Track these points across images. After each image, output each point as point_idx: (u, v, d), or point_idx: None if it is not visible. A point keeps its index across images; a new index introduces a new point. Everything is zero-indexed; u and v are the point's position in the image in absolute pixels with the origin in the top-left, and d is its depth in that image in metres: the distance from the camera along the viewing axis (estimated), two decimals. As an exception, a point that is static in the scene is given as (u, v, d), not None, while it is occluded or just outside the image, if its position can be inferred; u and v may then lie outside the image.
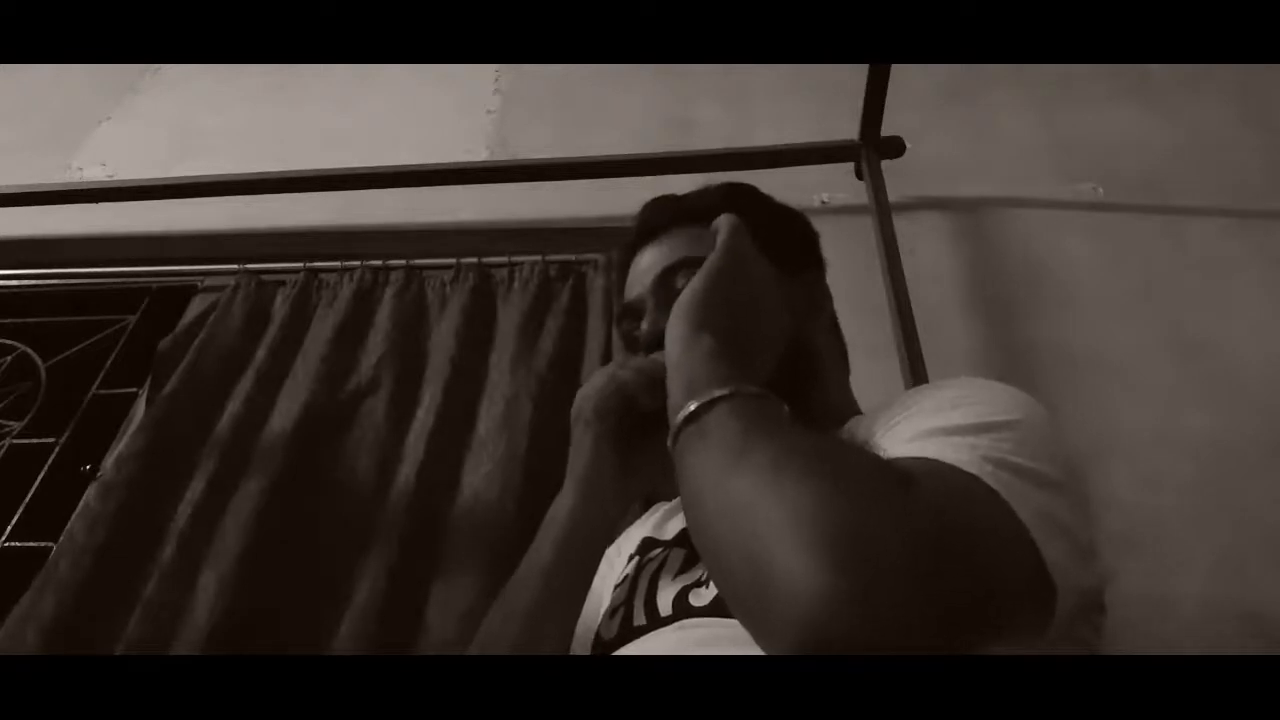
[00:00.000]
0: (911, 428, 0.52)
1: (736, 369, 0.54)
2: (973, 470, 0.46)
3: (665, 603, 0.64)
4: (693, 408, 0.50)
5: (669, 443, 0.52)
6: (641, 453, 0.69)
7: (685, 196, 0.78)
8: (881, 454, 0.50)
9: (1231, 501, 1.09)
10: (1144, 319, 1.28)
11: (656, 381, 0.61)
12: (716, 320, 0.59)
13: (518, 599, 0.65)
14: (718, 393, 0.50)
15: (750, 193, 0.79)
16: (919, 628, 0.38)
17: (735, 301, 0.61)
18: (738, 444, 0.47)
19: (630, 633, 0.64)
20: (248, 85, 1.95)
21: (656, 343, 0.68)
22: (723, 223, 0.65)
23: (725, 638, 0.55)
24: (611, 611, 0.70)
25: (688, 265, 0.69)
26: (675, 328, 0.59)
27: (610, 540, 0.72)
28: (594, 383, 0.70)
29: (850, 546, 0.38)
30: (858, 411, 0.73)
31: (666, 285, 0.71)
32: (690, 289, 0.61)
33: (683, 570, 0.67)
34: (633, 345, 0.74)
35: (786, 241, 0.74)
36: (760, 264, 0.66)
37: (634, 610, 0.66)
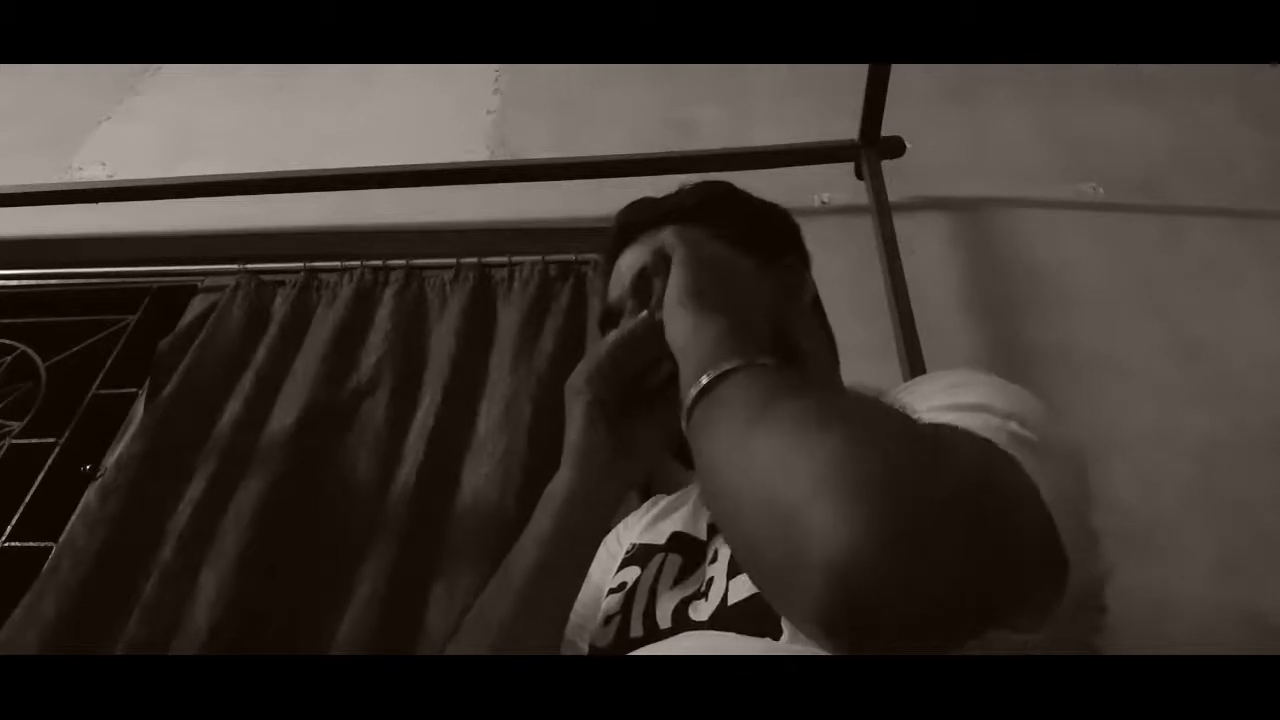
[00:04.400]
0: (920, 405, 0.51)
1: (747, 344, 0.53)
2: (989, 436, 0.45)
3: (664, 615, 0.63)
4: (705, 380, 0.49)
5: (683, 422, 0.51)
6: (635, 426, 0.68)
7: (663, 198, 0.78)
8: None
9: (1231, 501, 1.09)
10: (1144, 319, 1.28)
11: (650, 336, 0.63)
12: (713, 303, 0.59)
13: (513, 573, 0.64)
14: (731, 364, 0.49)
15: (726, 190, 0.79)
16: (951, 582, 0.36)
17: (722, 285, 0.62)
18: (758, 404, 0.45)
19: (627, 643, 0.64)
20: (247, 85, 1.95)
21: None
22: (666, 236, 0.66)
23: (726, 649, 0.55)
24: (607, 619, 0.69)
25: (666, 264, 0.69)
26: (677, 319, 0.59)
27: (610, 517, 0.71)
28: (585, 357, 0.70)
29: (884, 495, 0.36)
30: None
31: (646, 285, 0.71)
32: (675, 283, 0.61)
33: (680, 580, 0.67)
34: None
35: (764, 234, 0.75)
36: (730, 257, 0.67)
37: (631, 621, 0.66)
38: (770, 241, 0.75)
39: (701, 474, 0.48)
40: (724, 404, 0.48)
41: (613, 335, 0.68)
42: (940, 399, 0.51)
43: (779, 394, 0.46)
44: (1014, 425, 0.47)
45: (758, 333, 0.59)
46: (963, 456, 0.42)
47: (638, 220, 0.76)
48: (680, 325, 0.58)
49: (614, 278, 0.76)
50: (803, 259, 0.79)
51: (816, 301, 0.78)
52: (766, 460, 0.41)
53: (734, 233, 0.70)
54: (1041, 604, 0.45)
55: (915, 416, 0.45)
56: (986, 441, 0.44)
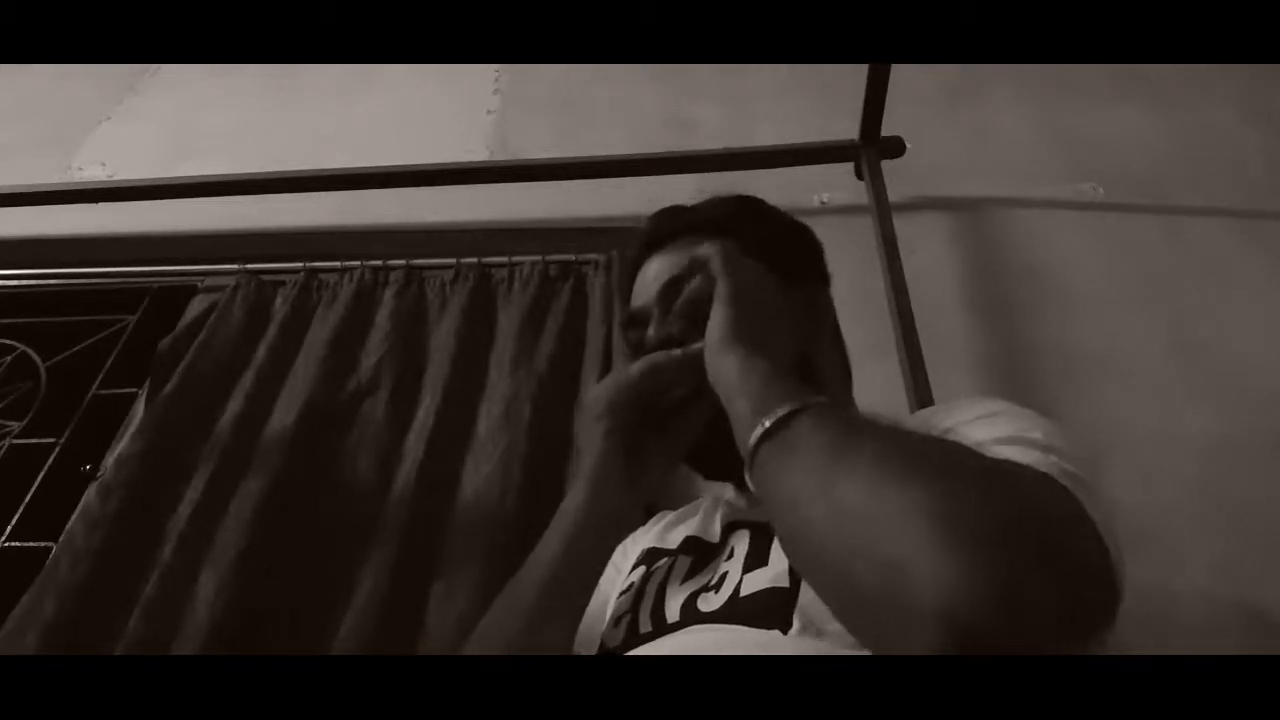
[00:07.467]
0: (965, 438, 0.53)
1: (799, 384, 0.53)
2: (1045, 470, 0.47)
3: (673, 609, 0.64)
4: (768, 424, 0.49)
5: (745, 468, 0.51)
6: (650, 452, 0.69)
7: (693, 207, 0.78)
8: None
9: (1231, 501, 1.09)
10: (1144, 319, 1.28)
11: (676, 370, 0.64)
12: (759, 341, 0.59)
13: (523, 590, 0.64)
14: (791, 406, 0.49)
15: (756, 205, 0.79)
16: (1055, 616, 0.38)
17: (766, 321, 0.62)
18: (835, 449, 0.46)
19: (636, 639, 0.64)
20: (248, 85, 1.95)
21: (661, 348, 0.68)
22: (711, 252, 0.65)
23: (734, 643, 0.56)
24: (616, 619, 0.70)
25: (705, 280, 0.69)
26: (723, 357, 0.58)
27: (619, 540, 0.72)
28: (607, 382, 0.70)
29: (983, 544, 0.38)
30: None
31: (672, 295, 0.71)
32: (721, 318, 0.61)
33: (689, 577, 0.67)
34: (638, 351, 0.74)
35: (791, 255, 0.74)
36: (765, 278, 0.66)
37: (640, 617, 0.66)
38: (796, 262, 0.75)
39: (779, 516, 0.49)
40: (794, 447, 0.48)
41: (640, 366, 0.68)
42: (980, 431, 0.53)
43: (852, 436, 0.46)
44: (1055, 458, 0.49)
45: (798, 368, 0.60)
46: (1041, 497, 0.44)
47: (666, 229, 0.76)
48: (727, 364, 0.57)
49: (639, 285, 0.76)
50: (825, 279, 0.80)
51: (836, 327, 0.79)
52: (856, 507, 0.42)
53: (762, 249, 0.70)
54: (1104, 626, 0.48)
55: (982, 452, 0.47)
56: (1047, 476, 0.47)
